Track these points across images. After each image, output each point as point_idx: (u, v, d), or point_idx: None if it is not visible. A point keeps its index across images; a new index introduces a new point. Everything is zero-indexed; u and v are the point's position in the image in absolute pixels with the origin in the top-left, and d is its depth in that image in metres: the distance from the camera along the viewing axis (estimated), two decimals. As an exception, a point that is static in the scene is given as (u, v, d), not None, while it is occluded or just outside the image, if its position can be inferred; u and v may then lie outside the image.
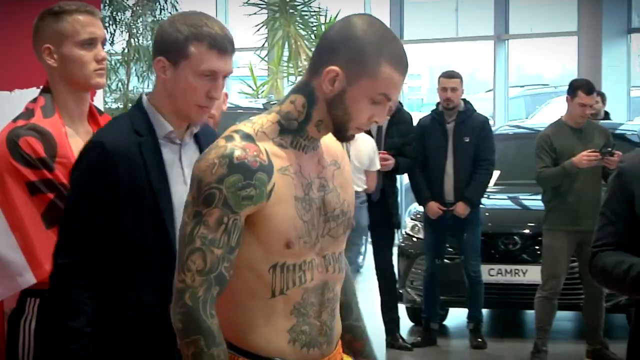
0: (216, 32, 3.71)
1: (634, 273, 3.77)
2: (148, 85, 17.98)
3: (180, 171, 3.80)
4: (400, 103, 10.16)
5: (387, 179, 9.88)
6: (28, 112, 4.05)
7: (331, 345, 3.34)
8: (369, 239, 11.17)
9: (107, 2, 16.90)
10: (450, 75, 9.99)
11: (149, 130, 3.75)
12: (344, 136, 3.26)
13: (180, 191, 3.71)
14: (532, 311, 9.47)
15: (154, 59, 3.73)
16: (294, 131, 3.22)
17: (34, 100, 4.11)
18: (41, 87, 4.17)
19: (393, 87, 3.19)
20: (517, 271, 10.05)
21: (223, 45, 3.71)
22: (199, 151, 3.81)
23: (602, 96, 12.88)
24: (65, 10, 4.09)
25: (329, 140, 3.35)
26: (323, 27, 18.01)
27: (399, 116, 9.94)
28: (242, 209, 3.08)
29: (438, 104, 10.07)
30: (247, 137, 3.15)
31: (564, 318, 10.55)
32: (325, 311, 3.29)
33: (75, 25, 4.08)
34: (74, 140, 4.04)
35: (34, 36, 4.14)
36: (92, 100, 4.22)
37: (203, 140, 3.86)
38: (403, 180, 11.71)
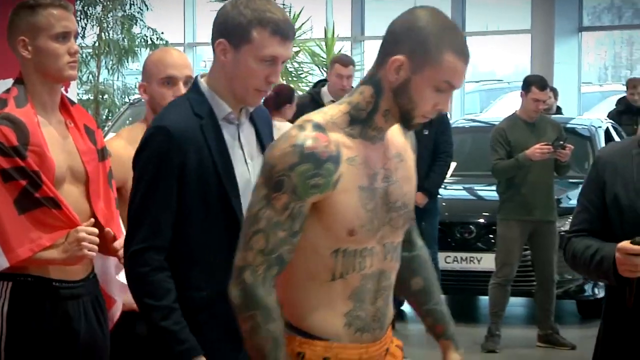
0: (279, 18, 3.65)
1: (598, 258, 3.79)
2: (118, 78, 17.95)
3: (240, 151, 3.75)
4: None
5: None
6: (1, 102, 4.01)
7: (382, 331, 3.32)
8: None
9: (79, -3, 16.83)
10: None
11: (209, 113, 3.69)
12: (410, 124, 3.25)
13: (241, 171, 3.70)
14: (487, 297, 9.49)
15: (214, 41, 3.65)
16: (362, 121, 3.21)
17: (7, 91, 4.08)
18: (10, 78, 4.15)
19: (456, 75, 3.18)
20: (472, 259, 10.07)
21: (285, 32, 3.66)
22: (255, 131, 3.81)
23: (554, 92, 12.93)
24: (40, 4, 4.06)
25: (393, 133, 3.33)
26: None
27: None
28: (308, 196, 3.08)
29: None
30: (319, 127, 3.14)
31: (516, 304, 10.57)
32: (381, 298, 3.29)
33: (49, 18, 4.04)
34: (47, 129, 4.01)
35: (8, 28, 4.10)
36: (66, 92, 4.18)
37: (257, 120, 3.84)
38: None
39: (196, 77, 3.82)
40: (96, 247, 3.93)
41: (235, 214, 3.64)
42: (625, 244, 3.68)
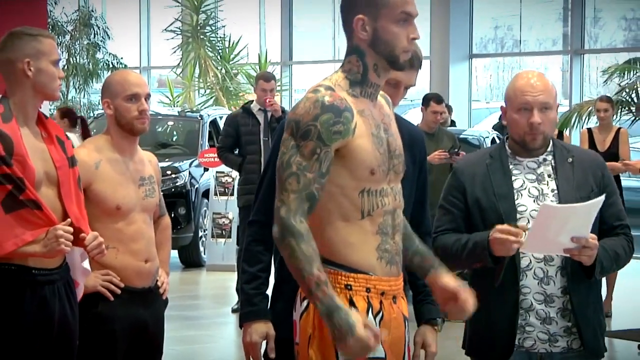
0: None
1: (471, 245, 3.80)
2: (84, 96, 17.80)
3: None
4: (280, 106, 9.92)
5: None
6: None
7: (401, 267, 3.29)
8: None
9: (50, 27, 16.68)
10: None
11: None
12: (399, 64, 3.22)
13: None
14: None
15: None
16: (360, 82, 3.19)
17: None
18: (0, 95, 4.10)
19: (407, 3, 3.17)
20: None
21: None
22: None
23: (449, 108, 12.99)
24: (41, 34, 4.09)
25: (382, 103, 3.33)
26: (227, 50, 17.95)
27: (283, 112, 9.73)
28: (332, 142, 3.06)
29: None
30: (329, 88, 3.12)
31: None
32: (397, 233, 3.27)
33: (50, 47, 4.05)
34: (28, 140, 3.98)
35: (8, 51, 4.05)
36: (40, 107, 4.14)
37: None
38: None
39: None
40: (70, 243, 3.89)
41: None
42: (503, 226, 3.70)
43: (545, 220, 3.64)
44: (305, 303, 3.16)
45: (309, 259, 3.00)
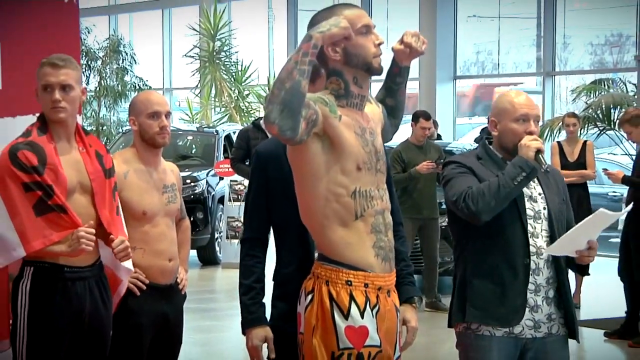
0: None
1: (505, 170, 3.72)
2: (113, 114, 17.80)
3: None
4: None
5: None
6: (27, 132, 4.00)
7: (393, 263, 3.29)
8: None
9: (84, 53, 16.70)
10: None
11: None
12: (375, 68, 3.25)
13: None
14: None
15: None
16: (345, 96, 3.21)
17: (32, 124, 4.06)
18: (37, 114, 4.11)
19: (362, 17, 3.21)
20: (377, 246, 10.06)
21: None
22: None
23: (436, 123, 13.01)
24: (42, 63, 4.03)
25: (370, 111, 3.35)
26: (240, 73, 17.98)
27: None
28: (316, 104, 3.09)
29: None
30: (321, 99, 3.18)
31: (410, 279, 10.57)
32: (389, 231, 3.27)
33: (42, 74, 3.99)
34: (62, 152, 3.98)
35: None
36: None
37: None
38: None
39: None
40: (92, 243, 3.88)
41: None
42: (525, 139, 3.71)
43: (592, 223, 3.70)
44: (309, 297, 3.16)
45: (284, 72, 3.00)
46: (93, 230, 3.90)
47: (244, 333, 3.54)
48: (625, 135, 8.34)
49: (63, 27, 4.95)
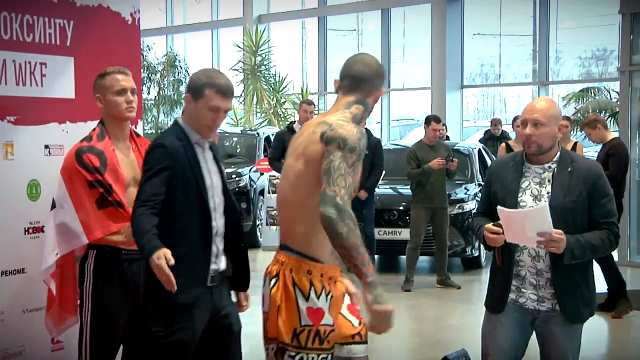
0: (223, 82, 3.59)
1: (479, 232, 3.84)
2: (170, 119, 17.88)
3: (205, 164, 3.65)
4: None
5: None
6: (88, 137, 4.03)
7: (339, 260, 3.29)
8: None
9: (145, 67, 16.76)
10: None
11: (186, 138, 3.63)
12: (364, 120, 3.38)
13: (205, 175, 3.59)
14: (404, 256, 9.47)
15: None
16: (357, 122, 3.25)
17: (93, 130, 4.09)
18: (98, 120, 4.13)
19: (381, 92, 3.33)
20: (395, 232, 10.03)
21: (225, 91, 3.58)
22: (212, 154, 3.70)
23: (445, 126, 12.94)
24: (107, 72, 4.07)
25: None
26: (277, 83, 17.99)
27: None
28: (360, 160, 3.15)
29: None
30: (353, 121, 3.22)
31: (423, 260, 10.55)
32: None
33: (111, 81, 4.02)
34: (119, 153, 4.02)
35: (93, 88, 4.11)
36: (135, 127, 4.15)
37: (214, 146, 3.73)
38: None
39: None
40: None
41: (204, 200, 3.52)
42: (489, 225, 3.71)
43: (506, 221, 3.65)
44: (274, 281, 3.17)
45: (360, 240, 3.02)
46: None
47: (148, 261, 3.31)
48: (590, 136, 8.32)
49: (126, 45, 4.96)
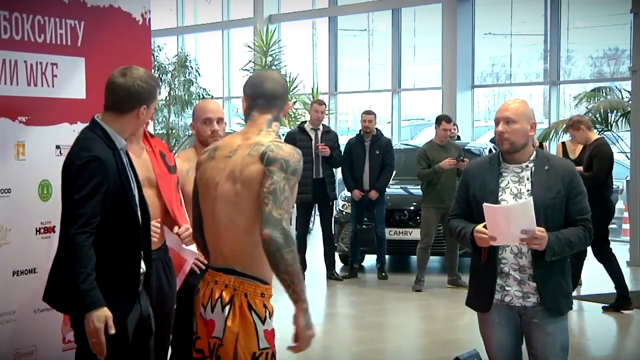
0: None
1: (462, 233, 3.91)
2: (181, 119, 17.91)
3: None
4: (326, 125, 10.05)
5: (327, 169, 9.80)
6: None
7: None
8: (317, 212, 11.08)
9: (156, 68, 16.81)
10: (368, 112, 9.98)
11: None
12: None
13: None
14: (415, 256, 9.46)
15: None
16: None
17: None
18: None
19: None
20: (406, 232, 10.04)
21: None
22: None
23: (456, 126, 12.91)
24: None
25: None
26: (288, 83, 17.98)
27: (327, 131, 9.84)
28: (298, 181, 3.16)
29: (360, 130, 10.02)
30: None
31: (434, 260, 10.55)
32: None
33: None
34: (133, 153, 3.94)
35: None
36: (146, 127, 4.15)
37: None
38: (337, 175, 11.62)
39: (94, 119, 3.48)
40: (157, 235, 3.92)
41: (133, 210, 3.40)
42: (479, 227, 3.79)
43: (491, 218, 3.69)
44: (227, 309, 3.12)
45: (300, 268, 3.03)
46: (159, 225, 3.93)
47: (82, 317, 3.22)
48: (575, 137, 8.37)
49: (137, 45, 4.97)
